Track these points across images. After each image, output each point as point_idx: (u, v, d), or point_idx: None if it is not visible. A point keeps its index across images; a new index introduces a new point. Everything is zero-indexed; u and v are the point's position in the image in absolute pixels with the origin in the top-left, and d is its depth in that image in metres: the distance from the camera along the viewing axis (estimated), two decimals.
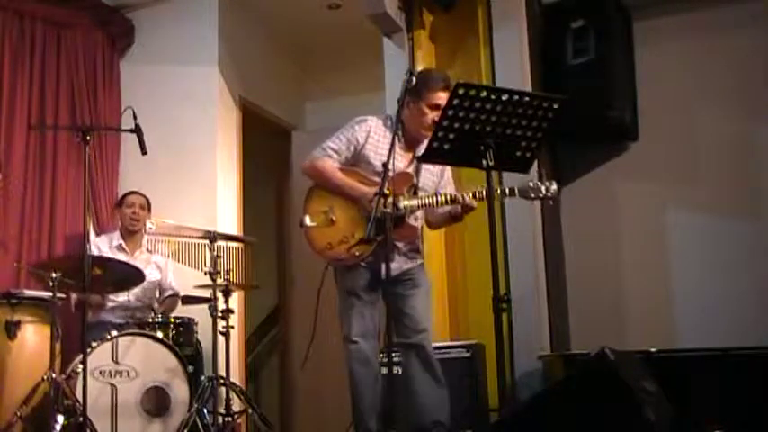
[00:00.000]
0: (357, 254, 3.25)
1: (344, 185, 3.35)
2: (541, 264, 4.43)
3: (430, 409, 3.26)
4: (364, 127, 3.41)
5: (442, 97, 3.24)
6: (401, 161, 3.36)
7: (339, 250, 3.27)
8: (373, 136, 3.39)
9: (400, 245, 3.37)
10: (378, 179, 3.04)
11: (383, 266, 3.21)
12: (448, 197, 3.26)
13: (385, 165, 2.95)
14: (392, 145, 3.03)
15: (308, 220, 3.35)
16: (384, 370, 3.30)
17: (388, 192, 2.91)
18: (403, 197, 3.27)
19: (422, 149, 3.41)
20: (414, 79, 3.13)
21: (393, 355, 3.05)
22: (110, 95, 5.41)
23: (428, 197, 3.29)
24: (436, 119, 3.19)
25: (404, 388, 3.33)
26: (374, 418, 3.25)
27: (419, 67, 4.47)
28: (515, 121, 2.71)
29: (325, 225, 3.34)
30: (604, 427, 2.56)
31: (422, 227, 3.55)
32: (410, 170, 3.39)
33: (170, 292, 4.73)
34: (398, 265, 3.35)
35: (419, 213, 3.43)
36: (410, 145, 3.45)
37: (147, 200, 4.80)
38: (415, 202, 3.29)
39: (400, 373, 3.78)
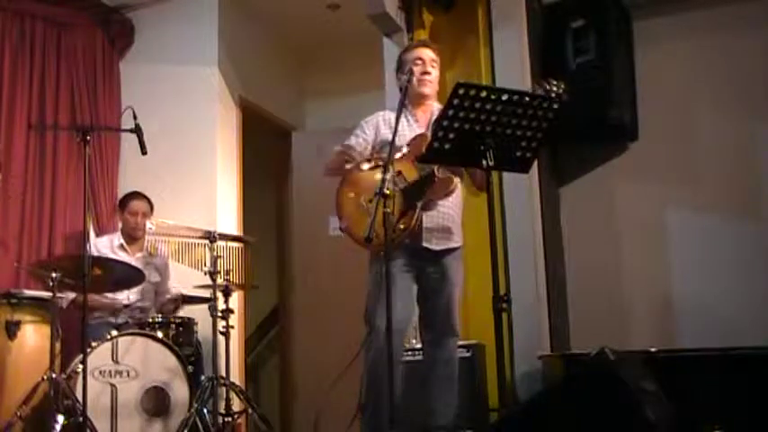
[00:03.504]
0: (402, 227, 3.14)
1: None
2: (541, 264, 4.43)
3: (439, 413, 3.25)
4: (376, 115, 3.49)
5: (421, 51, 3.42)
6: (416, 130, 3.36)
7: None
8: (386, 119, 3.44)
9: (439, 207, 3.30)
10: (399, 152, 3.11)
11: (422, 243, 3.26)
12: None
13: (385, 164, 2.94)
14: (392, 141, 3.02)
15: (342, 224, 3.26)
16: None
17: (387, 191, 2.88)
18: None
19: (431, 104, 3.46)
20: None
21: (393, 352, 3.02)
22: (110, 95, 5.41)
23: None
24: (425, 70, 3.38)
25: (420, 384, 3.30)
26: (383, 413, 3.21)
27: None
28: (515, 121, 2.72)
29: (363, 216, 3.16)
30: (604, 427, 2.56)
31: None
32: (428, 132, 3.32)
33: (167, 296, 4.70)
34: (435, 232, 3.28)
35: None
36: (419, 109, 3.45)
37: (150, 203, 4.79)
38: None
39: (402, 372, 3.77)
